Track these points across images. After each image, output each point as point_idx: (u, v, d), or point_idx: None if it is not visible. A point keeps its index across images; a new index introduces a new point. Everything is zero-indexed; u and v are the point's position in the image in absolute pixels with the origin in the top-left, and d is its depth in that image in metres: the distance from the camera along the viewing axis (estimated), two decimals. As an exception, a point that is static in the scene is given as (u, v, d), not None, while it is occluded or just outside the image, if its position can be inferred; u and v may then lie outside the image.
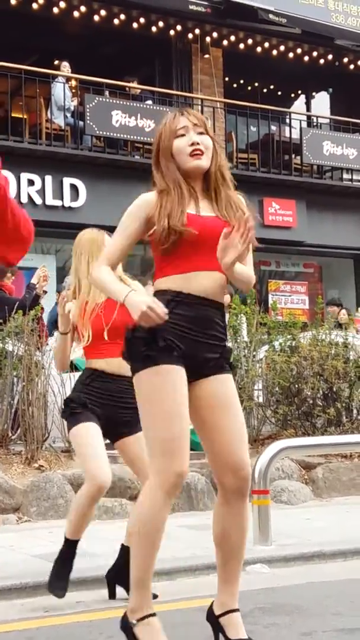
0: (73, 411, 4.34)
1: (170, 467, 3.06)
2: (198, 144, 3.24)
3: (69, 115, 14.46)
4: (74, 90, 14.81)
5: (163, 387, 3.12)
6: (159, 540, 3.13)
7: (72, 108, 14.51)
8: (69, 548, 4.31)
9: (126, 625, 3.16)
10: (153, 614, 3.13)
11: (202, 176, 3.30)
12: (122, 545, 4.43)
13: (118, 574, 4.37)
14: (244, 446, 3.25)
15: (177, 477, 3.07)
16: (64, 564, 4.30)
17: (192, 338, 3.18)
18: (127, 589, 4.36)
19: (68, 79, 14.61)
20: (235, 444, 3.21)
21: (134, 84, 15.41)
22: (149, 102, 15.28)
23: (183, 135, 3.26)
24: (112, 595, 4.43)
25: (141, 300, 3.07)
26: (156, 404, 3.12)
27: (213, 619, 3.30)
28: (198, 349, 3.19)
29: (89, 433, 4.25)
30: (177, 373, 3.14)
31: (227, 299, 10.35)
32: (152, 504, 3.08)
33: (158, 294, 3.22)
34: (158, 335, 3.11)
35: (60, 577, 4.29)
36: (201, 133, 3.28)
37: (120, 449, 4.45)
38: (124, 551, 4.36)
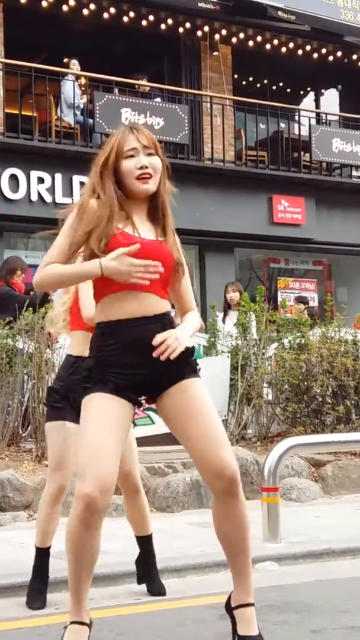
0: (52, 405, 4.38)
1: (81, 489, 3.08)
2: (147, 167, 3.21)
3: (78, 113, 14.47)
4: (83, 88, 14.81)
5: (93, 409, 3.16)
6: (81, 559, 3.22)
7: (81, 106, 14.52)
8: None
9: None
10: (82, 622, 3.23)
11: (148, 198, 3.28)
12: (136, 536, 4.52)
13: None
14: (222, 447, 3.18)
15: (89, 498, 3.06)
16: None
17: (133, 362, 3.18)
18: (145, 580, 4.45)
19: (77, 77, 14.62)
20: (209, 447, 3.16)
21: (143, 82, 15.41)
22: (158, 99, 15.27)
23: (132, 156, 3.22)
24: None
25: (117, 262, 3.07)
26: (87, 423, 3.16)
27: (230, 611, 3.32)
28: (142, 370, 3.18)
29: (60, 432, 4.33)
30: (106, 400, 3.16)
31: (235, 296, 10.37)
32: (70, 522, 3.16)
33: (95, 327, 3.28)
34: (93, 371, 3.19)
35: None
36: (150, 154, 3.24)
37: None
38: (140, 541, 4.47)
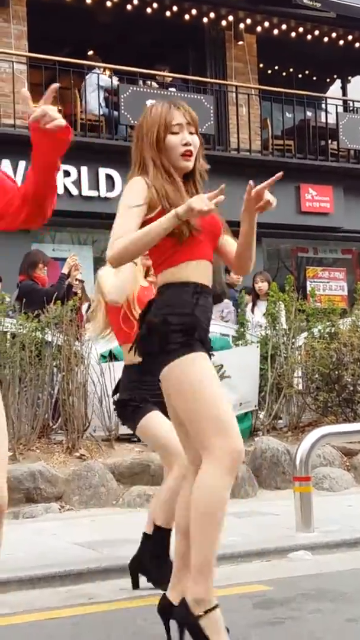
0: (136, 407, 4.32)
1: (228, 444, 3.02)
2: (190, 144, 3.27)
3: (103, 105, 14.48)
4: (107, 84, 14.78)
5: (207, 372, 3.13)
6: (222, 522, 3.06)
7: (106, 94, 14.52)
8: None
9: (186, 617, 3.07)
10: (217, 606, 3.04)
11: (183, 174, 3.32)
12: (144, 533, 4.38)
13: (140, 564, 4.36)
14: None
15: (238, 453, 3.04)
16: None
17: (206, 327, 3.25)
18: (149, 579, 4.37)
19: (103, 69, 14.63)
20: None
21: (168, 73, 15.38)
22: (172, 89, 15.19)
23: (177, 133, 3.27)
24: (135, 585, 4.37)
25: (195, 203, 3.03)
26: (205, 387, 3.10)
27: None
28: (207, 335, 3.27)
29: (161, 419, 4.22)
30: (209, 360, 3.19)
31: (264, 286, 10.33)
32: (214, 483, 3.02)
33: (180, 285, 3.21)
34: (196, 326, 3.15)
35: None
36: (192, 133, 3.30)
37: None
38: (146, 539, 4.36)
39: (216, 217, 3.32)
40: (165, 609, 3.29)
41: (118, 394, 4.52)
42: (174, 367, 3.14)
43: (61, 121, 2.77)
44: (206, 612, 3.02)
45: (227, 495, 3.07)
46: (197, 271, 3.22)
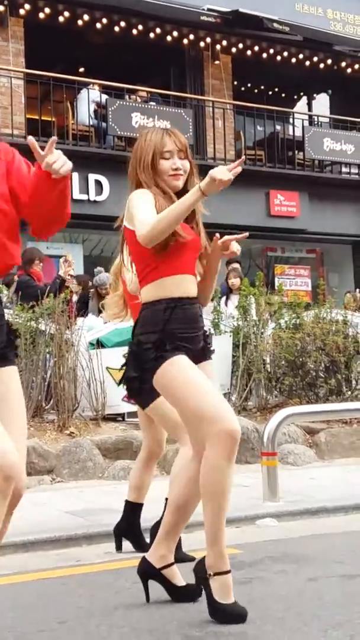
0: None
1: (220, 428, 2.99)
2: (180, 169, 3.29)
3: (93, 117, 14.41)
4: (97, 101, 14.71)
5: (184, 372, 3.11)
6: (228, 496, 3.05)
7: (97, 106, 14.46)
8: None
9: (202, 573, 3.09)
10: (228, 571, 3.07)
11: (175, 193, 3.30)
12: (126, 500, 4.38)
13: (124, 529, 4.37)
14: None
15: (230, 433, 2.99)
16: None
17: (190, 336, 3.21)
18: (133, 543, 4.37)
19: (93, 85, 14.55)
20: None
21: (151, 89, 15.32)
22: (152, 103, 15.15)
23: (168, 158, 3.28)
24: (119, 547, 4.38)
25: (217, 174, 3.01)
26: (186, 387, 3.08)
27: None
28: (191, 345, 3.21)
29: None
30: (186, 359, 3.15)
31: (236, 282, 10.36)
32: (216, 464, 3.00)
33: (152, 304, 3.20)
34: (166, 340, 3.13)
35: None
36: (182, 158, 3.31)
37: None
38: (128, 506, 4.36)
39: (198, 236, 3.29)
40: (145, 571, 3.30)
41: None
42: (157, 378, 3.15)
43: (69, 164, 2.67)
44: (215, 574, 3.05)
45: (229, 472, 3.03)
46: (173, 286, 3.19)
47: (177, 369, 3.12)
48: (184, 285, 3.23)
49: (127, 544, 4.39)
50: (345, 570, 3.83)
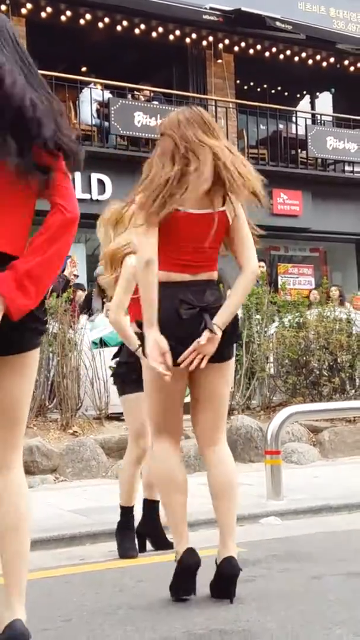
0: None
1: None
2: None
3: (95, 116, 14.41)
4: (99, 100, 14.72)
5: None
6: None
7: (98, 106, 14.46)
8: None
9: (237, 570, 3.26)
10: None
11: None
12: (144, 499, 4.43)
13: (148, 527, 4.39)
14: None
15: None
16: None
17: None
18: (152, 542, 4.39)
19: (95, 84, 14.55)
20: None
21: (153, 88, 15.32)
22: (155, 102, 15.14)
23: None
24: (142, 548, 4.39)
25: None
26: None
27: None
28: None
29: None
30: None
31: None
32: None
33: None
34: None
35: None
36: None
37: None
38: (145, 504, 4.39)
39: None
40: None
41: (119, 358, 4.39)
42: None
43: None
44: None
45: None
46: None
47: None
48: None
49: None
50: (349, 568, 3.83)
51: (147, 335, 3.09)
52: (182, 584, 3.22)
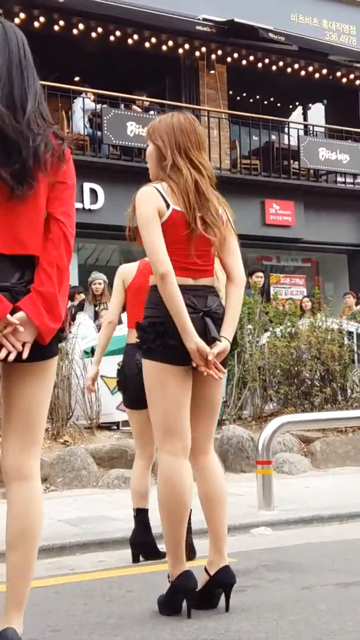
0: None
1: None
2: None
3: (88, 126, 14.44)
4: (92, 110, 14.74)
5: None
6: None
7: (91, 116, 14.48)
8: None
9: (233, 578, 3.28)
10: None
11: None
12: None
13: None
14: None
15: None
16: None
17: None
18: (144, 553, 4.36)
19: (87, 94, 14.58)
20: None
21: (146, 98, 15.36)
22: (152, 112, 15.19)
23: None
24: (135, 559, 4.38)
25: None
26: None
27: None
28: None
29: None
30: None
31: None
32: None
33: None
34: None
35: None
36: None
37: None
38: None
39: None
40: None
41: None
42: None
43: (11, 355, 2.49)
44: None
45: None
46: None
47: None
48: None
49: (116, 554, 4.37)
50: (340, 578, 3.82)
51: (189, 346, 3.08)
52: (174, 605, 3.18)
